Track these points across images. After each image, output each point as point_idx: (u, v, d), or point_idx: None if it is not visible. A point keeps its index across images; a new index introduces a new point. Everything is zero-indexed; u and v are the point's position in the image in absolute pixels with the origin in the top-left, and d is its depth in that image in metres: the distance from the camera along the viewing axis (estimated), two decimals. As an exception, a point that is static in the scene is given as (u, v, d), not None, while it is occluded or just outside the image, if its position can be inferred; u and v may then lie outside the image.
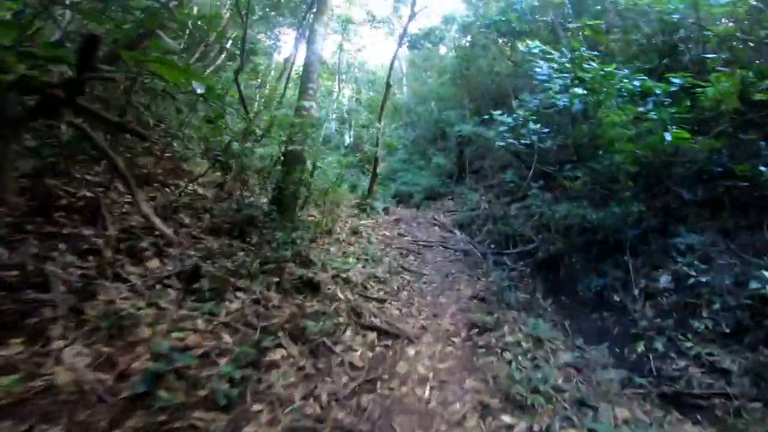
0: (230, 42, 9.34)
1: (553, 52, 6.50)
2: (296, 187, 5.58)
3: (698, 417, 3.49)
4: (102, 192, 4.45)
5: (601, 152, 6.06)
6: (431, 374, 3.46)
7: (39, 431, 1.96)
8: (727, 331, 4.11)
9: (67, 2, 2.62)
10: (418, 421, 2.85)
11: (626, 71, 6.11)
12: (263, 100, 6.67)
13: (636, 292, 5.29)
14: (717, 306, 4.28)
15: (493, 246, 8.07)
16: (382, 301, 4.73)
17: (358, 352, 3.57)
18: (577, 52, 6.03)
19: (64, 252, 3.18)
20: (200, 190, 6.17)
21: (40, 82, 2.05)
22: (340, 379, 3.17)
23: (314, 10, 8.26)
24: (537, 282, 6.54)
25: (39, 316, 2.56)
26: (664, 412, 3.48)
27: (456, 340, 4.07)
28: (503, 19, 10.01)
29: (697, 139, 4.88)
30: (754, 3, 5.73)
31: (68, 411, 2.11)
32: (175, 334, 2.87)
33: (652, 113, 5.40)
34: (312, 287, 4.24)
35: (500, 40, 12.19)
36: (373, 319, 4.20)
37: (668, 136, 4.68)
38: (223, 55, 10.73)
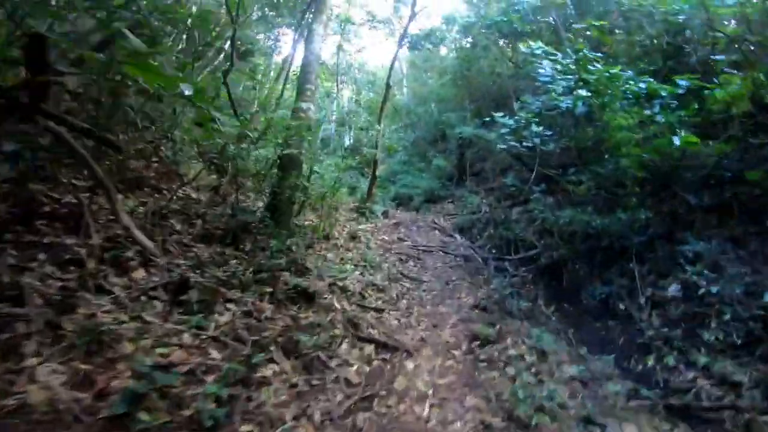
0: (228, 42, 9.23)
1: (556, 53, 6.34)
2: (292, 192, 5.41)
3: (707, 430, 3.37)
4: (88, 197, 4.30)
5: (606, 156, 5.89)
6: (431, 391, 3.30)
7: (10, 452, 1.81)
8: (739, 342, 3.97)
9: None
10: (416, 442, 2.69)
11: (631, 73, 5.96)
12: (258, 101, 6.48)
13: (642, 300, 5.16)
14: (728, 316, 4.13)
15: (494, 251, 7.91)
16: (380, 310, 4.57)
17: (355, 367, 3.40)
18: (581, 53, 5.86)
19: (43, 262, 3.02)
20: (194, 195, 6.00)
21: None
22: (334, 396, 3.01)
23: (313, 10, 8.12)
24: (539, 289, 6.39)
25: (12, 332, 2.39)
26: (672, 425, 3.35)
27: (457, 353, 3.91)
28: (505, 19, 9.86)
29: (708, 143, 4.70)
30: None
31: (42, 431, 1.97)
32: (159, 350, 2.70)
33: (659, 116, 5.25)
34: (307, 297, 4.07)
35: (501, 42, 12.03)
36: (370, 330, 4.04)
37: (677, 140, 4.52)
38: (221, 56, 10.63)
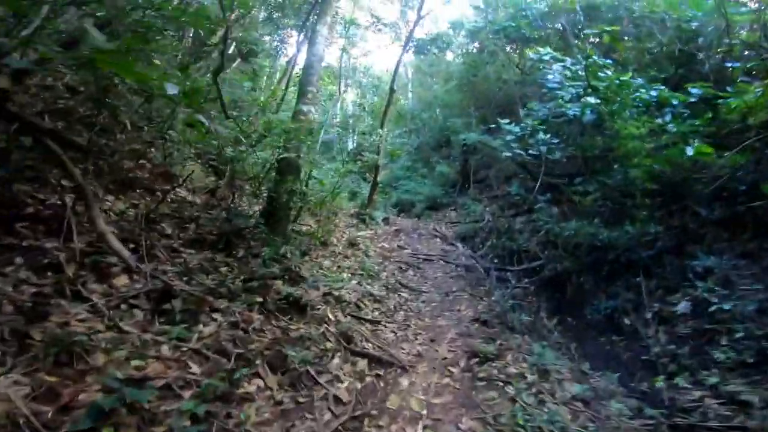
0: (233, 43, 9.14)
1: (566, 58, 6.18)
2: (289, 197, 5.25)
3: (714, 452, 3.18)
4: (74, 199, 4.16)
5: (616, 166, 5.69)
6: (425, 411, 3.10)
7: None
8: (750, 361, 3.77)
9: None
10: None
11: (641, 81, 5.79)
12: (257, 103, 6.34)
13: (649, 315, 4.98)
14: (740, 334, 3.94)
15: (496, 261, 7.71)
16: (376, 322, 4.38)
17: (345, 384, 3.22)
18: (591, 59, 5.69)
19: (19, 267, 2.86)
20: (189, 197, 5.86)
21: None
22: (322, 415, 2.82)
23: (317, 12, 8.00)
24: (542, 301, 6.21)
25: (-24, 342, 2.24)
26: (677, 445, 3.11)
27: (454, 370, 3.70)
28: (513, 24, 9.73)
29: (723, 154, 4.51)
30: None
31: (-3, 445, 1.81)
32: (134, 362, 2.52)
33: (670, 125, 5.07)
34: (299, 308, 3.89)
35: (508, 48, 11.90)
36: (365, 344, 3.86)
37: (690, 150, 4.33)
38: (225, 56, 10.55)
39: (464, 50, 15.44)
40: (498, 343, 4.17)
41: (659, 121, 5.18)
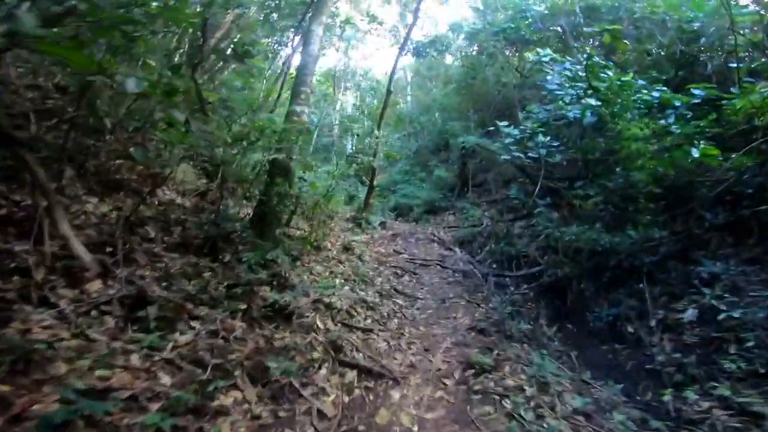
0: (224, 42, 9.00)
1: (568, 58, 6.04)
2: (280, 200, 5.06)
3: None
4: (57, 200, 3.99)
5: (618, 169, 5.52)
6: (416, 427, 2.91)
7: None
8: (762, 371, 3.62)
9: None
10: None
11: (642, 82, 5.65)
12: (247, 103, 6.17)
13: (653, 323, 4.82)
14: (751, 343, 3.80)
15: (494, 266, 7.52)
16: (368, 331, 4.18)
17: (332, 397, 3.02)
18: (592, 60, 5.54)
19: (-17, 271, 2.69)
20: (178, 200, 5.69)
21: None
22: (303, 430, 2.63)
23: (312, 11, 7.86)
24: (541, 308, 6.03)
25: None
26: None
27: (448, 382, 3.50)
28: (512, 26, 9.60)
29: (730, 156, 4.34)
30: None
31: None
32: (99, 372, 2.34)
33: (674, 127, 4.91)
34: (286, 315, 3.70)
35: (507, 50, 11.79)
36: (354, 354, 3.66)
37: (695, 152, 4.16)
38: (224, 56, 10.40)
39: (463, 53, 15.32)
40: (495, 353, 3.97)
41: (662, 122, 5.02)
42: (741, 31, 6.34)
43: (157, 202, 5.24)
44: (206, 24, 3.99)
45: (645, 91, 5.42)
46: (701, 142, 4.41)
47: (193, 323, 3.11)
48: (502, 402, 3.23)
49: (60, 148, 4.22)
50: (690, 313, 4.31)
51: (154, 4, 3.46)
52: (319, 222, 6.57)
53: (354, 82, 19.92)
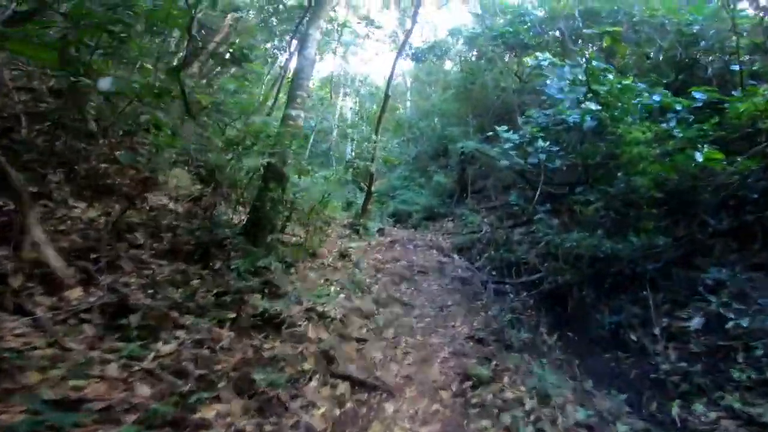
0: (222, 47, 8.94)
1: (567, 61, 5.96)
2: (274, 206, 4.95)
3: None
4: (44, 206, 3.88)
5: (620, 174, 5.41)
6: (410, 443, 2.77)
7: None
8: (772, 380, 3.49)
9: None
10: None
11: (643, 85, 5.56)
12: (241, 107, 6.06)
13: (657, 331, 4.68)
14: (760, 352, 3.66)
15: (494, 273, 7.38)
16: (362, 341, 4.04)
17: (321, 410, 2.88)
18: (592, 63, 5.45)
19: (-42, 279, 2.58)
20: (171, 205, 5.58)
21: None
22: (290, 446, 2.50)
23: (310, 14, 7.80)
24: (542, 315, 5.88)
25: None
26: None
27: (445, 395, 3.36)
28: (511, 30, 9.54)
29: (734, 160, 4.23)
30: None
31: None
32: (72, 382, 2.23)
33: (675, 130, 4.81)
34: (277, 325, 3.57)
35: (506, 56, 11.74)
36: (347, 365, 3.51)
37: (699, 156, 4.05)
38: (222, 60, 10.35)
39: (462, 58, 15.28)
40: (494, 364, 3.84)
41: (664, 126, 4.92)
42: (741, 34, 6.29)
43: (148, 208, 5.14)
44: (192, 23, 3.89)
45: (646, 95, 5.33)
46: (704, 145, 4.31)
47: (178, 332, 2.99)
48: (501, 416, 3.10)
49: (49, 151, 4.13)
50: (696, 322, 4.18)
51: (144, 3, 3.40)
52: (315, 228, 6.44)
53: (353, 88, 19.89)
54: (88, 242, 3.49)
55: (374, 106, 19.01)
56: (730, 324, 3.86)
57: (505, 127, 7.63)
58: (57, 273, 2.75)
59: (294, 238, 6.30)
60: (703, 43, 6.51)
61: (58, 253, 3.12)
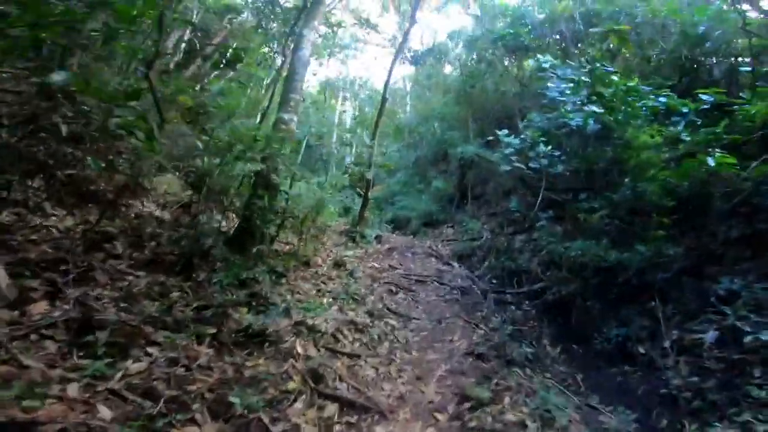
0: (218, 51, 8.81)
1: (570, 63, 5.76)
2: (263, 214, 4.72)
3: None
4: (16, 215, 3.67)
5: (627, 180, 5.17)
6: (402, 472, 2.53)
7: None
8: (792, 397, 3.27)
9: None
10: None
11: (648, 88, 5.36)
12: (226, 110, 5.87)
13: (667, 344, 4.43)
14: None
15: (494, 282, 7.14)
16: (354, 356, 3.78)
17: (306, 436, 2.64)
18: (597, 65, 5.24)
19: None
20: (157, 212, 5.36)
21: None
22: (270, 477, 2.26)
23: (304, 15, 7.63)
24: (544, 326, 5.66)
25: None
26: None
27: (441, 417, 3.11)
28: (511, 32, 9.36)
29: (748, 165, 4.00)
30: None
31: None
32: (26, 403, 2.02)
33: (683, 134, 4.59)
34: (262, 340, 3.33)
35: (506, 60, 11.56)
36: (337, 384, 3.27)
37: (711, 161, 3.82)
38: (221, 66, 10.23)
39: (462, 62, 15.10)
40: (494, 383, 3.58)
41: (671, 129, 4.70)
42: (739, 36, 6.09)
43: (133, 215, 4.93)
44: (163, 18, 3.69)
45: (652, 97, 5.12)
46: (716, 150, 4.08)
47: (150, 349, 2.76)
48: (502, 441, 2.84)
49: (31, 156, 3.93)
50: (711, 335, 3.94)
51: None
52: (309, 236, 6.22)
53: (352, 92, 19.74)
54: (59, 253, 3.27)
55: (374, 110, 18.86)
56: (748, 338, 3.60)
57: (506, 132, 7.41)
58: (2, 292, 2.51)
59: (287, 246, 6.08)
60: (708, 44, 6.30)
61: (22, 267, 2.91)
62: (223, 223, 5.19)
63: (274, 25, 11.11)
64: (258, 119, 7.76)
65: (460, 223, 10.92)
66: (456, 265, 8.12)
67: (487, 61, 12.19)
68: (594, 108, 5.42)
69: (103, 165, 3.80)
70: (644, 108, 5.15)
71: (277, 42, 11.30)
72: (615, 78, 5.25)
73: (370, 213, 10.77)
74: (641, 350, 4.56)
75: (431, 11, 17.03)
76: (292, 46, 9.67)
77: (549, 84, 6.19)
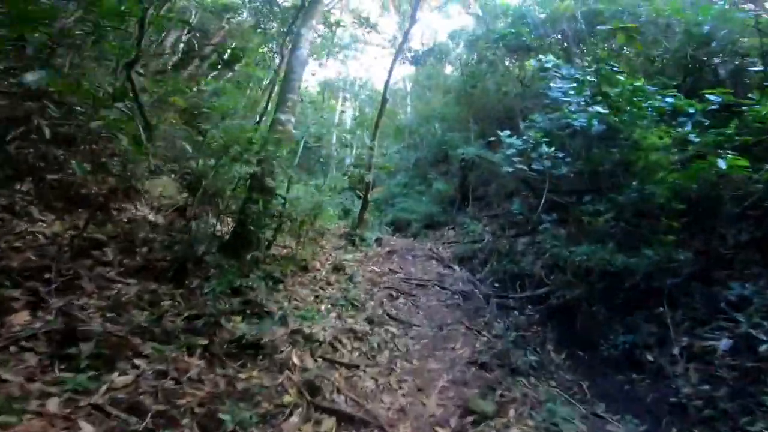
0: (216, 53, 8.70)
1: (575, 61, 5.63)
2: (258, 219, 4.59)
3: None
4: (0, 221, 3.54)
5: (635, 183, 5.03)
6: (402, 494, 2.39)
7: None
8: (809, 407, 3.16)
9: None
10: None
11: (654, 88, 5.23)
12: (218, 110, 5.73)
13: (676, 351, 4.31)
14: None
15: (497, 285, 7.00)
16: (353, 367, 3.64)
17: (302, 453, 2.51)
18: (603, 64, 5.11)
19: None
20: (151, 216, 5.22)
21: None
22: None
23: (302, 14, 7.51)
24: (548, 332, 5.52)
25: None
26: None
27: (442, 432, 2.98)
28: (513, 31, 9.24)
29: (760, 167, 3.86)
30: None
31: None
32: (3, 419, 1.91)
33: (692, 135, 4.46)
34: (256, 351, 3.19)
35: (507, 60, 11.46)
36: (335, 396, 3.13)
37: (722, 163, 3.69)
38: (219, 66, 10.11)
39: (463, 62, 14.98)
40: (498, 394, 3.44)
41: (679, 130, 4.57)
42: (745, 35, 5.97)
43: (125, 219, 4.79)
44: (146, 17, 3.56)
45: (658, 98, 4.99)
46: (727, 152, 3.95)
47: (138, 361, 2.62)
48: (507, 458, 2.71)
49: (22, 159, 3.80)
50: (724, 343, 3.81)
51: None
52: (307, 239, 6.08)
53: (352, 92, 19.64)
54: (44, 260, 3.14)
55: (374, 111, 18.75)
56: (763, 347, 3.47)
57: (508, 132, 7.27)
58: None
59: (285, 250, 5.94)
60: (714, 44, 6.18)
61: (3, 276, 2.78)
62: (218, 227, 5.06)
63: (273, 24, 11.04)
64: (257, 120, 7.60)
65: (461, 226, 10.78)
66: (457, 268, 7.98)
67: (488, 61, 12.08)
68: (599, 108, 5.30)
69: (89, 169, 3.64)
70: (650, 108, 5.03)
71: (276, 42, 11.20)
72: (621, 78, 5.11)
73: (370, 215, 10.64)
74: (649, 357, 4.42)
75: (431, 11, 16.94)
76: (290, 45, 9.58)
77: (551, 84, 6.06)
